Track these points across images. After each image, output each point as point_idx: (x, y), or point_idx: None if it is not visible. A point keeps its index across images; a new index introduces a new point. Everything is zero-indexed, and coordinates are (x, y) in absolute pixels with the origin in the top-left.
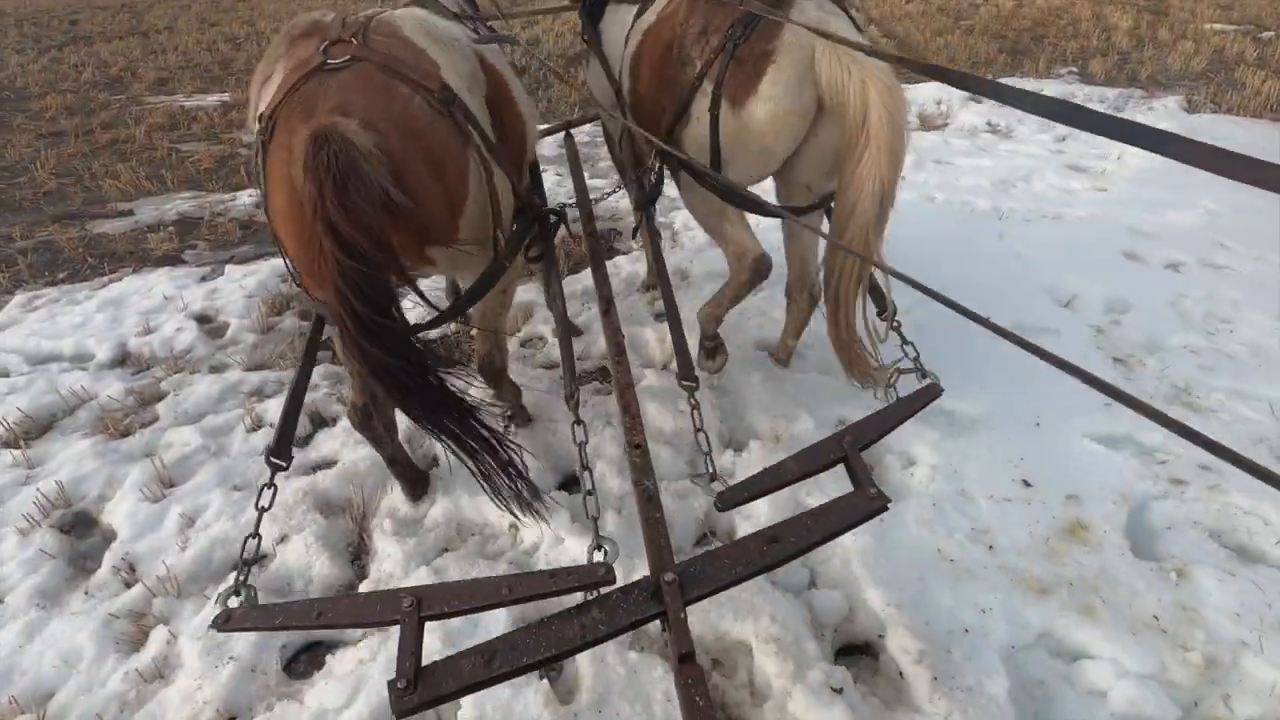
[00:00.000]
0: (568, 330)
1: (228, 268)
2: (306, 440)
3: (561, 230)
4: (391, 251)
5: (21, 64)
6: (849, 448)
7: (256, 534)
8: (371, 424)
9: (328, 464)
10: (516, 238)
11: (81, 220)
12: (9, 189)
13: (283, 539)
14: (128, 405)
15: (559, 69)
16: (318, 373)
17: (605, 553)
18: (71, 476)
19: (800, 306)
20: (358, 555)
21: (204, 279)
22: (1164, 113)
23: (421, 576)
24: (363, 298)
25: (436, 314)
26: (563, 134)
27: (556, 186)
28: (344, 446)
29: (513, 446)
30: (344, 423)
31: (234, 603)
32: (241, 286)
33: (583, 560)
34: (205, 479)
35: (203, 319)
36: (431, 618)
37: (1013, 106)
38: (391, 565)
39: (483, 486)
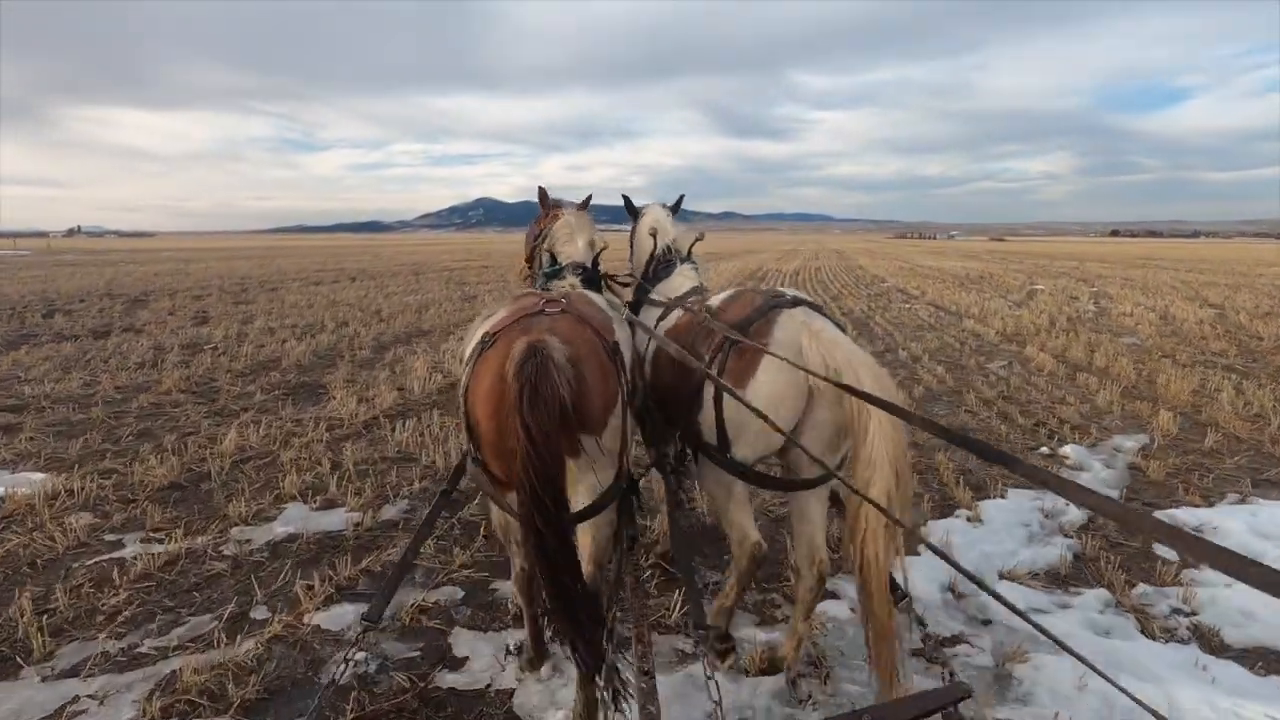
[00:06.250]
0: (619, 581)
1: None
2: None
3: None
4: (557, 442)
5: None
6: None
7: (347, 659)
8: (531, 585)
9: None
10: (627, 474)
11: None
12: None
13: None
14: None
15: None
16: None
17: None
18: None
19: (807, 584)
20: None
21: None
22: None
23: None
24: (539, 473)
25: (578, 512)
26: None
27: None
28: None
29: (613, 653)
30: None
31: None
32: None
33: None
34: None
35: None
36: None
37: None
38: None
39: (573, 649)
